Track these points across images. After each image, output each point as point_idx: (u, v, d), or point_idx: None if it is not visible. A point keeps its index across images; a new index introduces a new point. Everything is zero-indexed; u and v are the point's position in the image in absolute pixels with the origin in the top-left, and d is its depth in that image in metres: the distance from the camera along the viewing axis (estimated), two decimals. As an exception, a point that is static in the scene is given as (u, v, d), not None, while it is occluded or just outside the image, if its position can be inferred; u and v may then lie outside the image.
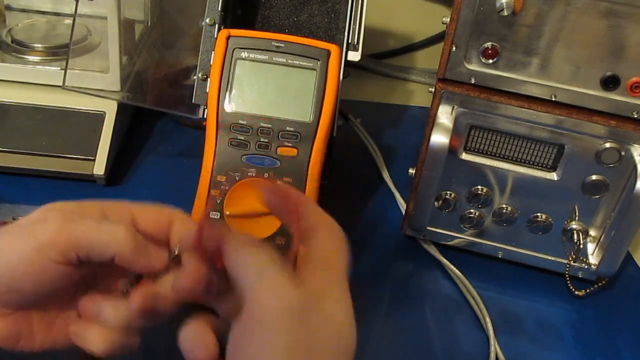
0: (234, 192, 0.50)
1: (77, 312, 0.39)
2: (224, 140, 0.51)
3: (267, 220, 0.50)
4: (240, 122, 0.51)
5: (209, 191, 0.51)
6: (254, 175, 0.51)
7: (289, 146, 0.51)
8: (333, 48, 0.52)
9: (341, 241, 0.37)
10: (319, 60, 0.52)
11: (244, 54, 0.52)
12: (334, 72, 0.52)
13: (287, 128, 0.51)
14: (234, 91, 0.52)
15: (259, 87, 0.52)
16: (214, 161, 0.51)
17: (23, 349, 0.39)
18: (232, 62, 0.52)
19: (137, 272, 0.39)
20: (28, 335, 0.38)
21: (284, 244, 0.50)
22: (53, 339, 0.39)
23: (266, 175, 0.51)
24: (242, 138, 0.51)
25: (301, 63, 0.52)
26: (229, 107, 0.51)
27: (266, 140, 0.51)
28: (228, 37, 0.52)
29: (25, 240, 0.36)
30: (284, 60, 0.52)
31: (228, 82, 0.51)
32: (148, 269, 0.38)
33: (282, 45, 0.52)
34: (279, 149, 0.51)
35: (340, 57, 0.53)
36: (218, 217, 0.51)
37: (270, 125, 0.51)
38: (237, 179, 0.51)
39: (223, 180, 0.51)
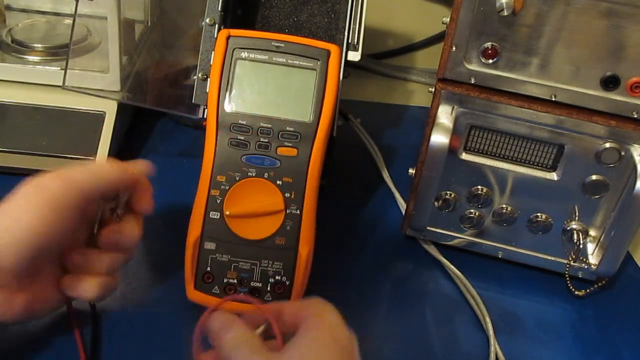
0: (234, 192, 0.50)
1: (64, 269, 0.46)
2: (224, 140, 0.51)
3: (267, 220, 0.50)
4: (240, 122, 0.51)
5: (208, 191, 0.51)
6: (254, 175, 0.51)
7: (289, 146, 0.51)
8: (333, 48, 0.52)
9: (335, 316, 0.40)
10: (319, 60, 0.52)
11: (244, 54, 0.52)
12: (334, 72, 0.52)
13: (287, 128, 0.51)
14: (234, 91, 0.51)
15: (259, 87, 0.52)
16: (213, 161, 0.51)
17: (36, 316, 0.45)
18: (232, 62, 0.51)
19: (128, 192, 0.48)
20: (42, 301, 0.44)
21: (284, 244, 0.51)
22: (60, 297, 0.46)
23: (266, 175, 0.51)
24: (242, 138, 0.51)
25: (301, 63, 0.52)
26: (228, 107, 0.51)
27: (266, 140, 0.51)
28: (228, 37, 0.52)
29: (39, 198, 0.41)
30: (284, 60, 0.52)
31: (228, 82, 0.51)
32: (134, 184, 0.48)
33: (282, 45, 0.52)
34: (279, 149, 0.51)
35: (340, 57, 0.53)
36: (218, 217, 0.51)
37: (270, 125, 0.51)
38: (237, 179, 0.50)
39: (223, 180, 0.51)
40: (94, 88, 0.67)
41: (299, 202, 0.51)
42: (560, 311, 0.60)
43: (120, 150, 0.70)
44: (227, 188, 0.50)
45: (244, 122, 0.51)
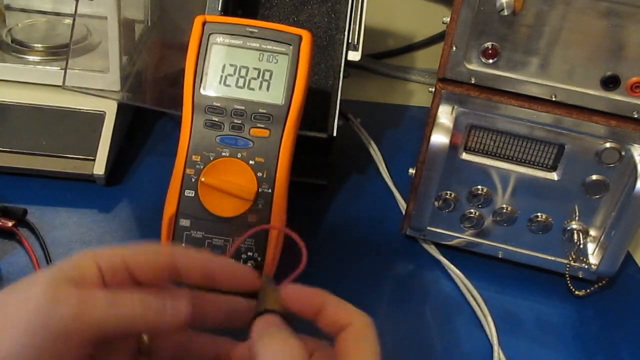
0: (215, 165, 0.52)
1: None
2: (199, 122, 0.53)
3: (238, 201, 0.52)
4: (215, 104, 0.53)
5: (184, 170, 0.53)
6: (227, 155, 0.52)
7: (261, 127, 0.53)
8: (304, 33, 0.54)
9: (373, 333, 0.36)
10: (291, 45, 0.53)
11: (219, 39, 0.53)
12: (305, 56, 0.53)
13: (260, 110, 0.53)
14: (209, 74, 0.53)
15: (234, 70, 0.54)
16: (189, 141, 0.53)
17: None
18: (208, 47, 0.53)
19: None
20: None
21: (256, 222, 0.52)
22: None
23: (239, 155, 0.52)
24: (217, 119, 0.53)
25: (274, 48, 0.53)
26: (204, 89, 0.53)
27: (239, 122, 0.53)
28: (204, 23, 0.54)
29: (40, 326, 0.31)
30: (258, 45, 0.54)
31: (203, 65, 0.53)
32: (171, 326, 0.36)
33: (256, 30, 0.54)
34: (251, 130, 0.53)
35: (311, 41, 0.54)
36: (193, 195, 0.52)
37: (243, 107, 0.53)
38: (211, 158, 0.53)
39: (198, 159, 0.53)
40: (94, 88, 0.67)
41: (271, 181, 0.52)
42: (560, 311, 0.60)
43: (121, 150, 0.70)
44: (201, 167, 0.52)
45: (219, 104, 0.53)
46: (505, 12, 0.50)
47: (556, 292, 0.62)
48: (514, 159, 0.58)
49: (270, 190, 0.52)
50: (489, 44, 0.53)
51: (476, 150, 0.59)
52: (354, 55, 0.64)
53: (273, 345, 0.33)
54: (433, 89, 0.57)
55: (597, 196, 0.57)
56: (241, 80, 0.53)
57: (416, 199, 0.60)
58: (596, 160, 0.56)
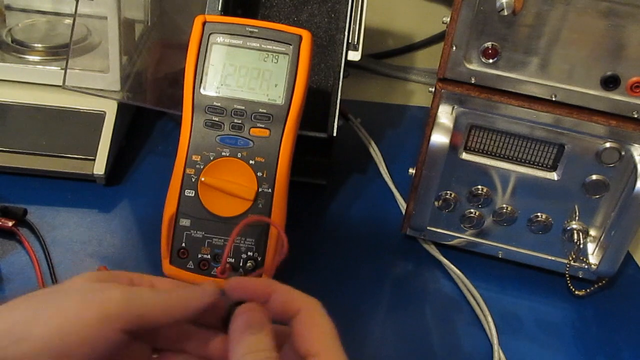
0: (216, 165, 0.53)
1: None
2: (199, 122, 0.53)
3: (238, 201, 0.52)
4: (215, 104, 0.53)
5: (184, 170, 0.53)
6: (227, 154, 0.53)
7: (261, 127, 0.53)
8: (304, 33, 0.54)
9: (324, 314, 0.37)
10: (291, 45, 0.53)
11: (220, 39, 0.54)
12: (306, 56, 0.53)
13: (260, 110, 0.53)
14: (209, 74, 0.53)
15: (234, 70, 0.54)
16: (189, 141, 0.53)
17: None
18: (208, 47, 0.53)
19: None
20: None
21: (257, 222, 0.52)
22: None
23: (239, 155, 0.52)
24: (217, 119, 0.53)
25: (274, 47, 0.54)
26: (204, 89, 0.53)
27: (239, 122, 0.53)
28: (204, 23, 0.54)
29: (90, 308, 0.34)
30: (258, 45, 0.54)
31: (204, 65, 0.53)
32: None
33: (256, 30, 0.54)
34: (251, 129, 0.53)
35: (311, 41, 0.54)
36: (193, 195, 0.52)
37: (243, 107, 0.53)
38: (211, 158, 0.53)
39: (198, 159, 0.53)
40: (94, 88, 0.67)
41: (271, 181, 0.53)
42: (560, 311, 0.60)
43: (120, 150, 0.70)
44: (201, 167, 0.53)
45: (219, 104, 0.53)
46: (505, 12, 0.50)
47: (556, 292, 0.62)
48: (514, 159, 0.58)
49: (270, 190, 0.52)
50: (489, 44, 0.53)
51: (476, 150, 0.59)
52: (354, 55, 0.64)
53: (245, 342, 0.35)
54: (433, 89, 0.57)
55: (597, 196, 0.57)
56: (241, 80, 0.54)
57: (416, 199, 0.60)
58: (596, 160, 0.56)
